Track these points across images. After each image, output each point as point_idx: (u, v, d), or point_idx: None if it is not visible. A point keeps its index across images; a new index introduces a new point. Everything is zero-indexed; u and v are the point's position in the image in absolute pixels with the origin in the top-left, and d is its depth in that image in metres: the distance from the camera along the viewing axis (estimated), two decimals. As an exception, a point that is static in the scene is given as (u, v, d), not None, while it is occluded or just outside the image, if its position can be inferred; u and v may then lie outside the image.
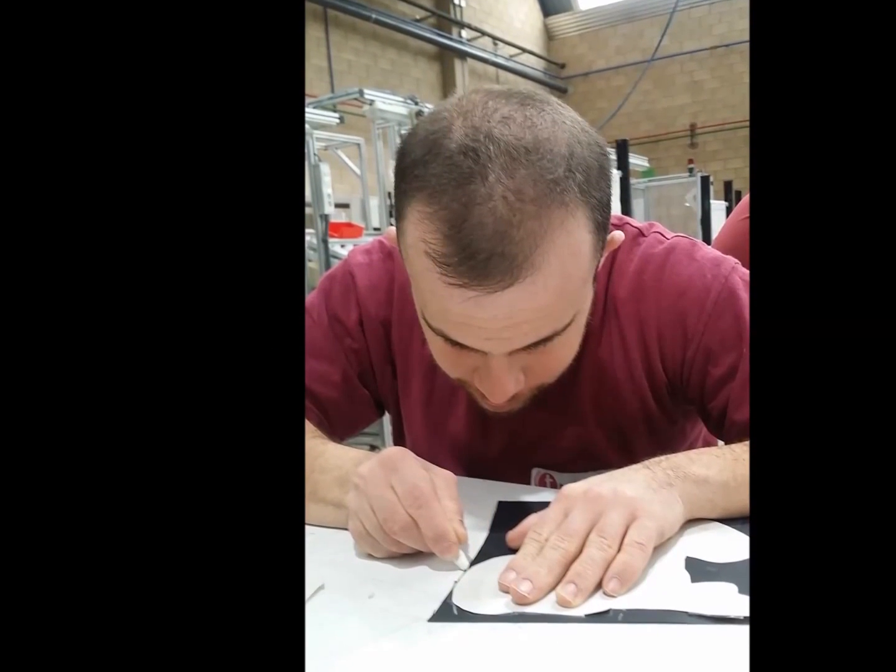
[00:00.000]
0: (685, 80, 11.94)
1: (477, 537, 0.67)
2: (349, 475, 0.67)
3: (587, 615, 0.53)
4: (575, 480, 0.64)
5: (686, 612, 0.52)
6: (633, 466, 0.65)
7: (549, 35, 12.94)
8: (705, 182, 6.89)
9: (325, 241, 4.00)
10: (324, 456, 0.75)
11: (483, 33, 10.73)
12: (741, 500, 0.65)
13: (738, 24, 11.17)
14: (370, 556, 0.65)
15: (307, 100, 4.77)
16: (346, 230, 4.69)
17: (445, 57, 10.21)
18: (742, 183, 9.80)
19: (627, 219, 0.85)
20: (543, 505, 0.63)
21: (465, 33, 10.41)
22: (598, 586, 0.55)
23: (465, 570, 0.61)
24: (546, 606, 0.54)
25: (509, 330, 0.62)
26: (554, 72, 12.79)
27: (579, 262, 0.62)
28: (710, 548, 0.61)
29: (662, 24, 9.62)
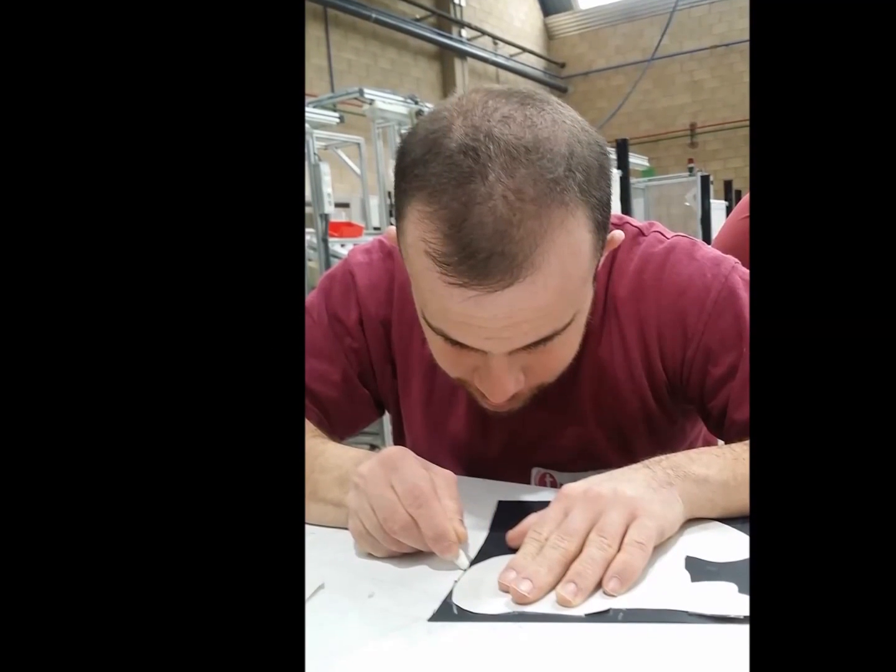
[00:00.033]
0: (685, 79, 11.94)
1: (477, 537, 0.67)
2: (349, 474, 0.67)
3: (587, 614, 0.53)
4: (575, 480, 0.64)
5: (686, 612, 0.52)
6: (633, 466, 0.65)
7: (549, 34, 12.94)
8: (705, 181, 6.89)
9: (325, 241, 4.00)
10: (324, 455, 0.75)
11: (483, 33, 10.73)
12: (741, 499, 0.65)
13: (737, 23, 11.17)
14: (370, 556, 0.65)
15: (307, 99, 4.77)
16: (346, 229, 4.69)
17: (445, 56, 10.21)
18: (742, 182, 9.80)
19: (627, 218, 0.85)
20: (543, 504, 0.63)
21: (465, 33, 10.41)
22: (598, 586, 0.55)
23: (465, 570, 0.61)
24: (546, 606, 0.54)
25: (509, 329, 0.62)
26: (554, 71, 12.79)
27: (579, 261, 0.62)
28: (710, 547, 0.61)
29: (662, 24, 9.61)
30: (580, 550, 0.57)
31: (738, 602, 0.52)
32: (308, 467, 0.73)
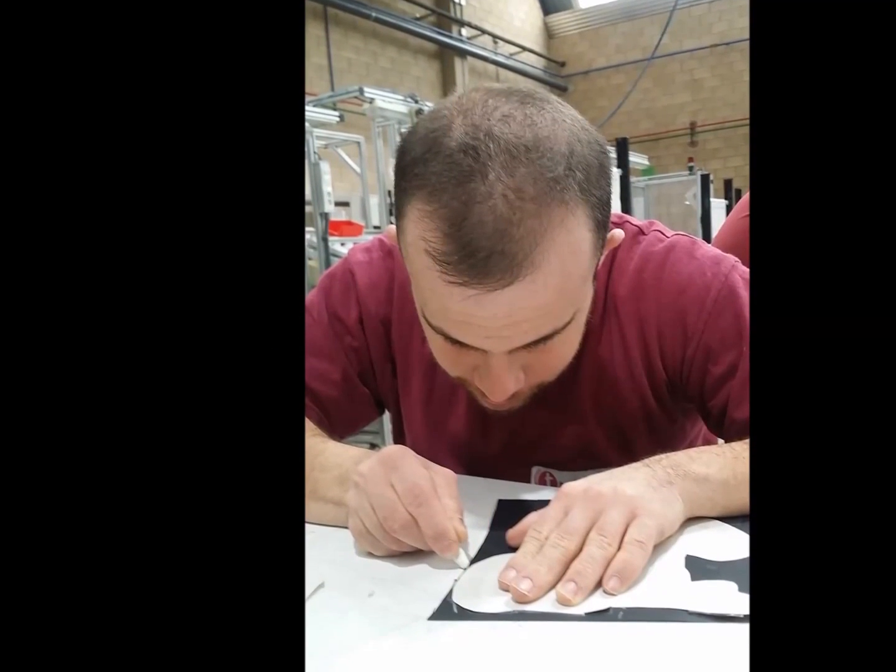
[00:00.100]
0: (685, 78, 11.94)
1: (477, 535, 0.67)
2: (349, 473, 0.67)
3: (587, 613, 0.53)
4: (575, 479, 0.64)
5: (686, 611, 0.52)
6: (633, 465, 0.66)
7: (549, 33, 12.93)
8: (705, 180, 6.89)
9: (325, 240, 4.00)
10: (324, 454, 0.75)
11: (483, 31, 10.73)
12: (741, 498, 0.65)
13: (737, 22, 11.17)
14: (370, 555, 0.65)
15: (307, 98, 4.77)
16: (346, 228, 4.69)
17: (445, 55, 10.21)
18: (742, 181, 9.80)
19: (627, 217, 0.85)
20: (543, 503, 0.63)
21: (465, 31, 10.40)
22: (598, 585, 0.55)
23: (465, 569, 0.61)
24: (546, 605, 0.54)
25: (509, 328, 0.62)
26: (554, 70, 12.79)
27: (579, 260, 0.62)
28: (710, 546, 0.61)
29: (662, 23, 9.62)
30: (580, 549, 0.57)
31: (738, 601, 0.52)
32: (308, 466, 0.73)
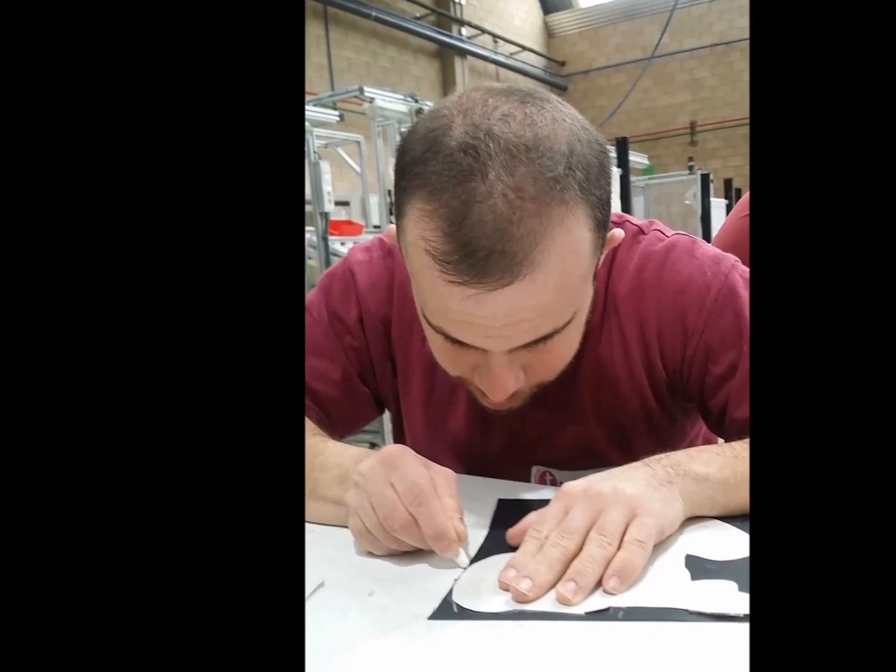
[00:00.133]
0: (685, 77, 11.93)
1: (477, 535, 0.67)
2: (349, 473, 0.67)
3: (587, 613, 0.53)
4: (575, 478, 0.64)
5: (686, 610, 0.52)
6: (633, 464, 0.66)
7: (549, 33, 12.93)
8: (705, 180, 6.89)
9: (325, 239, 3.99)
10: (324, 454, 0.75)
11: (483, 31, 10.73)
12: (741, 497, 0.65)
13: (737, 21, 11.16)
14: (370, 554, 0.65)
15: (307, 97, 4.77)
16: (346, 228, 4.69)
17: (445, 55, 10.20)
18: (742, 181, 9.80)
19: (627, 216, 0.85)
20: (543, 503, 0.63)
21: (465, 31, 10.40)
22: (598, 584, 0.55)
23: (465, 568, 0.61)
24: (546, 604, 0.54)
25: (509, 328, 0.62)
26: (554, 69, 12.78)
27: (579, 259, 0.62)
28: (710, 545, 0.61)
29: (662, 22, 9.62)
30: (580, 549, 0.57)
31: (738, 600, 0.52)
32: (308, 465, 0.73)
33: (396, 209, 0.65)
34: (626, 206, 5.68)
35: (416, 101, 4.55)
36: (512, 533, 0.64)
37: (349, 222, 4.97)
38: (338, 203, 4.91)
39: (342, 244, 4.18)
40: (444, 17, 10.05)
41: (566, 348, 0.70)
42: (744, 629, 0.43)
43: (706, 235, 6.04)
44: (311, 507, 0.72)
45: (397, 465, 0.63)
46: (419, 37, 9.59)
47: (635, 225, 0.83)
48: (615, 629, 0.51)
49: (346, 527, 0.66)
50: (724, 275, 0.77)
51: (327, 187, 3.98)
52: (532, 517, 0.63)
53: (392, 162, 0.68)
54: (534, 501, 0.70)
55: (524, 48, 11.83)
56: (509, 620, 0.53)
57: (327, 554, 0.65)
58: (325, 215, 3.99)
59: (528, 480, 0.88)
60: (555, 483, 0.87)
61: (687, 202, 7.01)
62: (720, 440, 0.83)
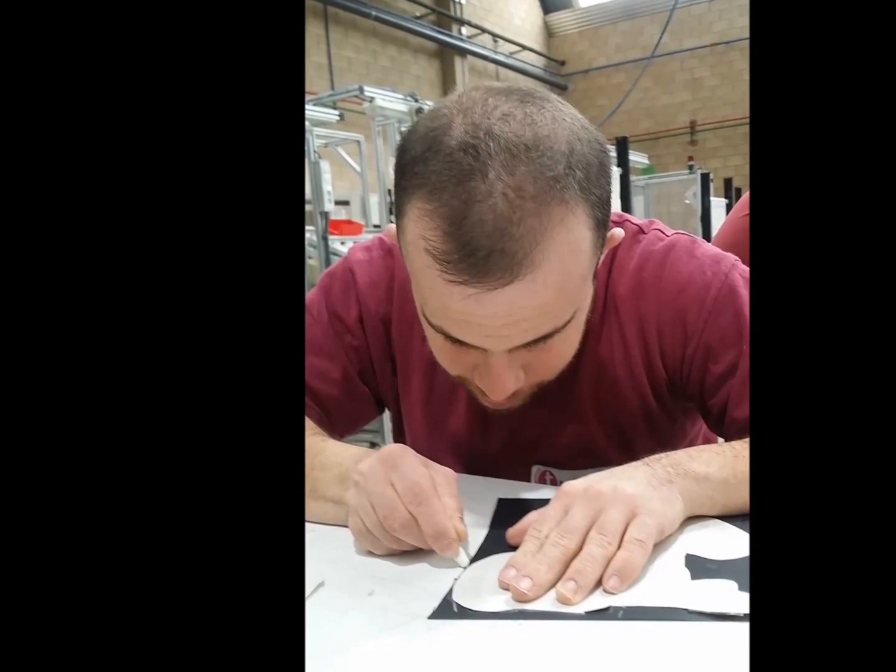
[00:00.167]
0: (685, 77, 11.93)
1: (477, 534, 0.67)
2: (349, 472, 0.67)
3: (587, 612, 0.53)
4: (575, 478, 0.64)
5: (686, 610, 0.52)
6: (633, 464, 0.66)
7: (549, 32, 12.92)
8: (705, 179, 6.89)
9: (325, 239, 3.99)
10: (324, 453, 0.75)
11: (483, 30, 10.73)
12: (741, 497, 0.65)
13: (737, 21, 11.16)
14: (370, 554, 0.65)
15: (307, 97, 4.77)
16: (346, 227, 4.69)
17: (445, 54, 10.20)
18: (742, 180, 9.80)
19: (627, 216, 0.85)
20: (543, 502, 0.63)
21: (465, 30, 10.40)
22: (598, 583, 0.55)
23: (464, 568, 0.61)
24: (546, 603, 0.54)
25: (509, 327, 0.61)
26: (554, 69, 12.78)
27: (579, 259, 0.62)
28: (710, 545, 0.61)
29: (662, 21, 9.62)
30: (580, 548, 0.57)
31: (738, 600, 0.52)
32: (308, 465, 0.73)
33: (396, 208, 0.65)
34: (626, 206, 5.69)
35: (416, 101, 4.55)
36: (512, 532, 0.64)
37: (349, 222, 4.97)
38: (338, 202, 4.91)
39: (342, 243, 4.18)
40: (444, 16, 10.05)
41: (566, 348, 0.70)
42: (744, 629, 0.43)
43: (706, 235, 6.04)
44: (311, 507, 0.72)
45: (397, 465, 0.63)
46: (419, 36, 9.59)
47: (635, 224, 0.83)
48: (615, 628, 0.51)
49: (346, 526, 0.66)
50: (724, 274, 0.77)
51: (327, 187, 3.98)
52: (532, 516, 0.63)
53: (392, 161, 0.67)
54: (534, 501, 0.70)
55: (524, 48, 11.83)
56: (509, 620, 0.53)
57: (327, 553, 0.65)
58: (325, 215, 3.99)
59: (528, 480, 0.88)
60: (555, 482, 0.87)
61: (687, 201, 7.01)
62: (720, 440, 0.82)
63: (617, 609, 0.53)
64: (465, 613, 0.54)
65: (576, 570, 0.55)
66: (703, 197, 6.82)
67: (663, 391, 0.82)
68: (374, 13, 8.55)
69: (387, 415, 0.98)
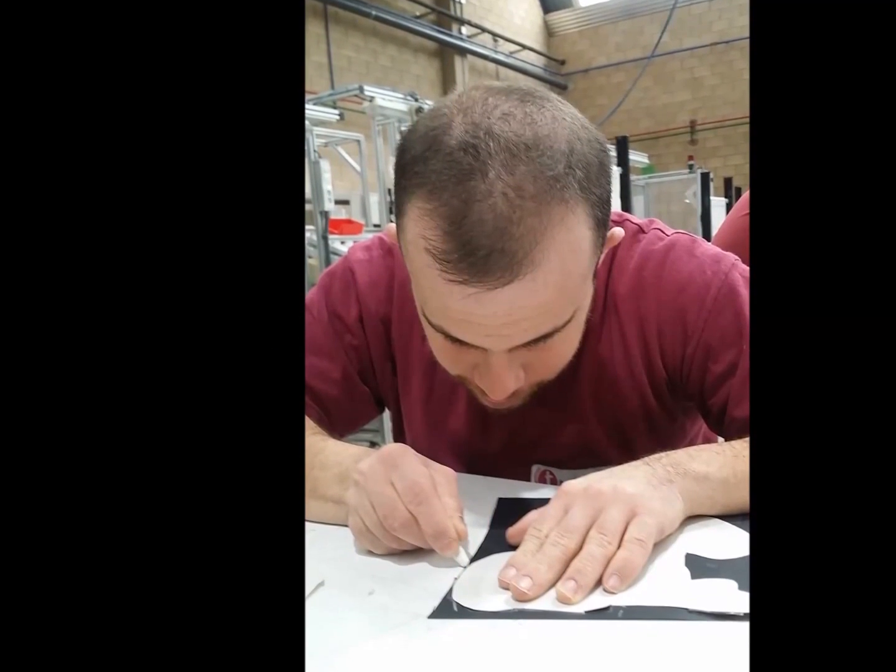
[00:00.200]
0: (685, 76, 11.93)
1: (477, 534, 0.67)
2: (349, 472, 0.67)
3: (587, 612, 0.53)
4: (575, 477, 0.64)
5: (686, 609, 0.52)
6: (633, 463, 0.66)
7: (549, 31, 12.92)
8: (705, 179, 6.89)
9: (324, 238, 3.99)
10: (324, 453, 0.75)
11: (483, 30, 10.72)
12: (741, 496, 0.65)
13: (737, 20, 11.16)
14: (370, 553, 0.65)
15: (307, 96, 4.77)
16: (346, 227, 4.68)
17: (445, 53, 10.20)
18: (742, 179, 9.80)
19: (627, 215, 0.85)
20: (543, 502, 0.63)
21: (465, 30, 10.40)
22: (598, 583, 0.55)
23: (464, 567, 0.61)
24: (546, 603, 0.54)
25: (509, 327, 0.61)
26: (554, 68, 12.78)
27: (579, 258, 0.62)
28: (710, 544, 0.61)
29: (662, 21, 9.61)
30: (580, 547, 0.57)
31: (737, 599, 0.52)
32: (308, 464, 0.73)
33: (396, 208, 0.65)
34: (626, 205, 5.69)
35: (416, 100, 4.55)
36: (512, 532, 0.64)
37: (349, 221, 4.97)
38: (338, 202, 4.91)
39: (342, 243, 4.18)
40: (444, 15, 10.04)
41: (566, 347, 0.70)
42: (744, 628, 0.43)
43: (706, 234, 6.04)
44: (311, 506, 0.72)
45: (397, 464, 0.63)
46: (419, 35, 9.58)
47: (635, 224, 0.83)
48: (615, 628, 0.51)
49: (346, 526, 0.66)
50: (724, 273, 0.77)
51: (327, 186, 3.98)
52: (532, 516, 0.63)
53: (392, 161, 0.67)
54: (534, 500, 0.70)
55: (524, 47, 11.83)
56: (509, 619, 0.53)
57: (327, 553, 0.65)
58: (325, 214, 3.99)
59: (528, 479, 0.88)
60: (555, 482, 0.87)
61: (687, 201, 7.01)
62: (720, 439, 0.82)
63: (617, 608, 0.53)
64: (466, 613, 0.54)
65: (576, 570, 0.55)
66: (703, 196, 6.82)
67: (663, 390, 0.82)
68: (374, 12, 8.55)
69: (387, 414, 0.98)
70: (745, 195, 1.94)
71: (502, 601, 0.55)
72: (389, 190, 4.19)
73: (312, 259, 4.12)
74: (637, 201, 6.99)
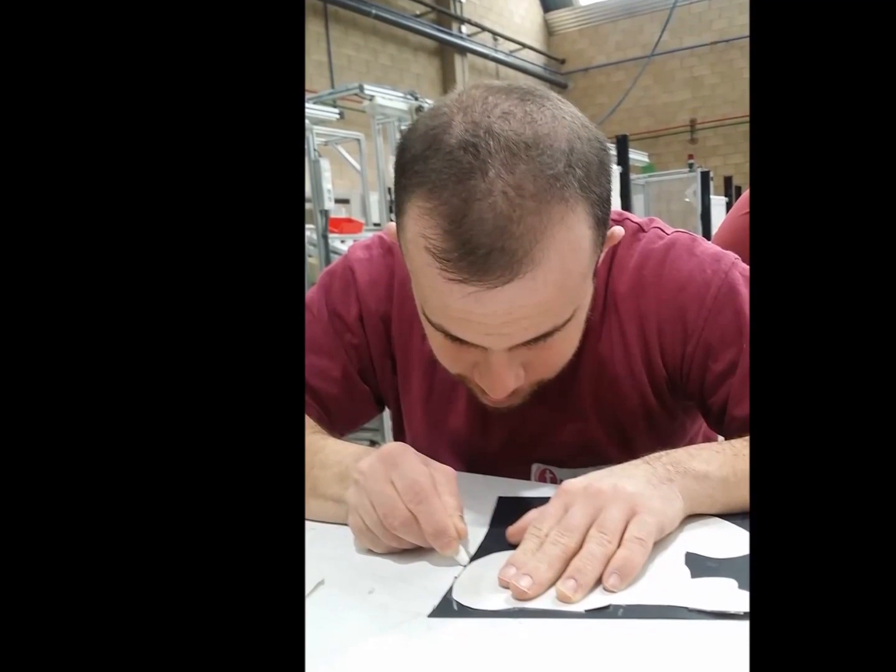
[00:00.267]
0: (685, 75, 11.93)
1: (477, 533, 0.67)
2: (349, 471, 0.67)
3: (587, 610, 0.53)
4: (575, 476, 0.64)
5: (686, 608, 0.52)
6: (633, 462, 0.66)
7: (549, 30, 12.92)
8: (705, 177, 6.90)
9: (324, 237, 3.99)
10: (324, 451, 0.75)
11: (483, 29, 10.72)
12: (741, 495, 0.65)
13: (737, 19, 11.16)
14: (370, 552, 0.65)
15: (307, 95, 4.77)
16: (346, 226, 4.68)
17: (445, 52, 10.20)
18: (742, 178, 9.81)
19: (627, 214, 0.85)
20: (543, 500, 0.63)
21: (465, 29, 10.40)
22: (598, 582, 0.55)
23: (465, 566, 0.61)
24: (546, 602, 0.54)
25: (509, 325, 0.61)
26: (554, 67, 12.78)
27: (579, 257, 0.62)
28: (710, 543, 0.61)
29: (662, 20, 9.60)
30: (580, 546, 0.57)
31: (738, 598, 0.52)
32: (308, 463, 0.73)
33: (396, 207, 0.65)
34: (626, 204, 5.69)
35: (416, 99, 4.55)
36: (512, 531, 0.64)
37: (349, 220, 4.97)
38: (338, 201, 4.91)
39: (342, 242, 4.18)
40: (444, 14, 10.04)
41: (566, 346, 0.70)
42: (743, 627, 0.43)
43: (706, 233, 6.05)
44: (311, 505, 0.72)
45: (397, 463, 0.63)
46: (419, 34, 9.59)
47: (635, 223, 0.83)
48: (615, 627, 0.51)
49: (346, 525, 0.66)
50: (724, 272, 0.77)
51: (327, 185, 3.98)
52: (532, 515, 0.63)
53: (392, 160, 0.67)
54: (534, 499, 0.70)
55: (524, 46, 11.83)
56: (509, 618, 0.53)
57: (327, 552, 0.65)
58: (324, 213, 3.99)
59: (528, 478, 0.88)
60: (555, 481, 0.87)
61: (687, 200, 7.01)
62: (720, 438, 0.82)
63: (617, 607, 0.53)
64: (466, 612, 0.54)
65: (576, 569, 0.55)
66: (703, 195, 6.82)
67: (663, 389, 0.82)
68: (374, 11, 8.56)
69: (387, 413, 0.98)
70: (745, 194, 1.94)
71: (502, 600, 0.55)
72: (389, 189, 4.19)
73: (312, 258, 4.12)
74: (637, 200, 7.00)
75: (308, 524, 0.71)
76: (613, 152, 5.47)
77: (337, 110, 4.60)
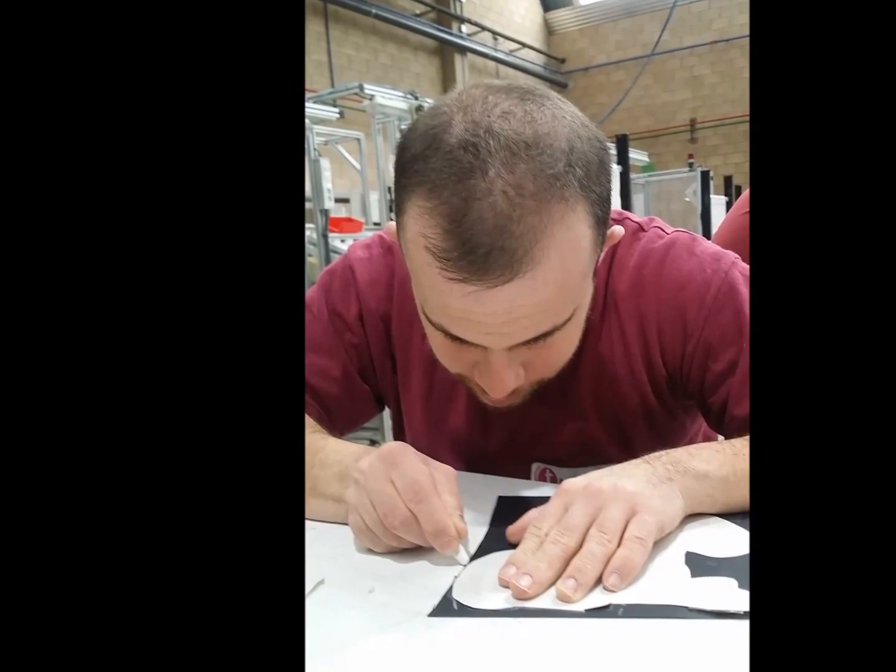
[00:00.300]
0: (685, 75, 11.93)
1: (477, 532, 0.67)
2: (349, 470, 0.67)
3: (587, 610, 0.53)
4: (575, 475, 0.64)
5: (686, 607, 0.52)
6: (633, 461, 0.66)
7: (549, 30, 12.92)
8: (705, 177, 6.89)
9: (324, 236, 3.99)
10: (324, 451, 0.75)
11: (483, 28, 10.72)
12: (741, 494, 0.65)
13: (737, 18, 11.16)
14: (370, 551, 0.65)
15: (307, 95, 4.77)
16: (346, 225, 4.68)
17: (445, 52, 10.20)
18: (742, 178, 9.81)
19: (627, 214, 0.85)
20: (543, 500, 0.63)
21: (465, 28, 10.40)
22: (598, 581, 0.55)
23: (465, 565, 0.61)
24: (546, 601, 0.54)
25: (509, 325, 0.62)
26: (554, 67, 12.78)
27: (579, 256, 0.62)
28: (710, 543, 0.61)
29: (662, 19, 9.60)
30: (580, 546, 0.57)
31: (737, 597, 0.52)
32: (308, 463, 0.73)
33: (396, 206, 0.65)
34: (626, 204, 5.69)
35: (416, 99, 4.55)
36: (512, 530, 0.64)
37: (349, 219, 4.96)
38: (338, 200, 4.91)
39: (342, 241, 4.18)
40: (444, 14, 10.04)
41: (566, 345, 0.70)
42: (743, 626, 0.43)
43: (706, 233, 6.04)
44: (312, 505, 0.72)
45: (397, 462, 0.63)
46: (419, 34, 9.58)
47: (635, 222, 0.83)
48: (615, 626, 0.51)
49: (346, 524, 0.66)
50: (724, 272, 0.77)
51: (327, 184, 3.98)
52: (532, 514, 0.63)
53: (392, 159, 0.67)
54: (534, 498, 0.70)
55: (524, 45, 11.82)
56: (509, 617, 0.53)
57: (327, 551, 0.65)
58: (325, 212, 3.99)
59: (528, 477, 0.88)
60: (555, 480, 0.87)
61: (687, 199, 7.01)
62: (720, 437, 0.82)
63: (617, 607, 0.53)
64: (466, 611, 0.54)
65: (576, 568, 0.55)
66: (703, 195, 6.82)
67: (663, 389, 0.82)
68: (374, 11, 8.55)
69: (387, 412, 0.98)
70: (745, 193, 1.94)
71: (502, 599, 0.55)
72: (389, 188, 4.19)
73: (312, 257, 4.12)
74: (637, 199, 6.99)
75: (308, 523, 0.71)
76: (613, 152, 5.47)
77: (337, 110, 4.60)
